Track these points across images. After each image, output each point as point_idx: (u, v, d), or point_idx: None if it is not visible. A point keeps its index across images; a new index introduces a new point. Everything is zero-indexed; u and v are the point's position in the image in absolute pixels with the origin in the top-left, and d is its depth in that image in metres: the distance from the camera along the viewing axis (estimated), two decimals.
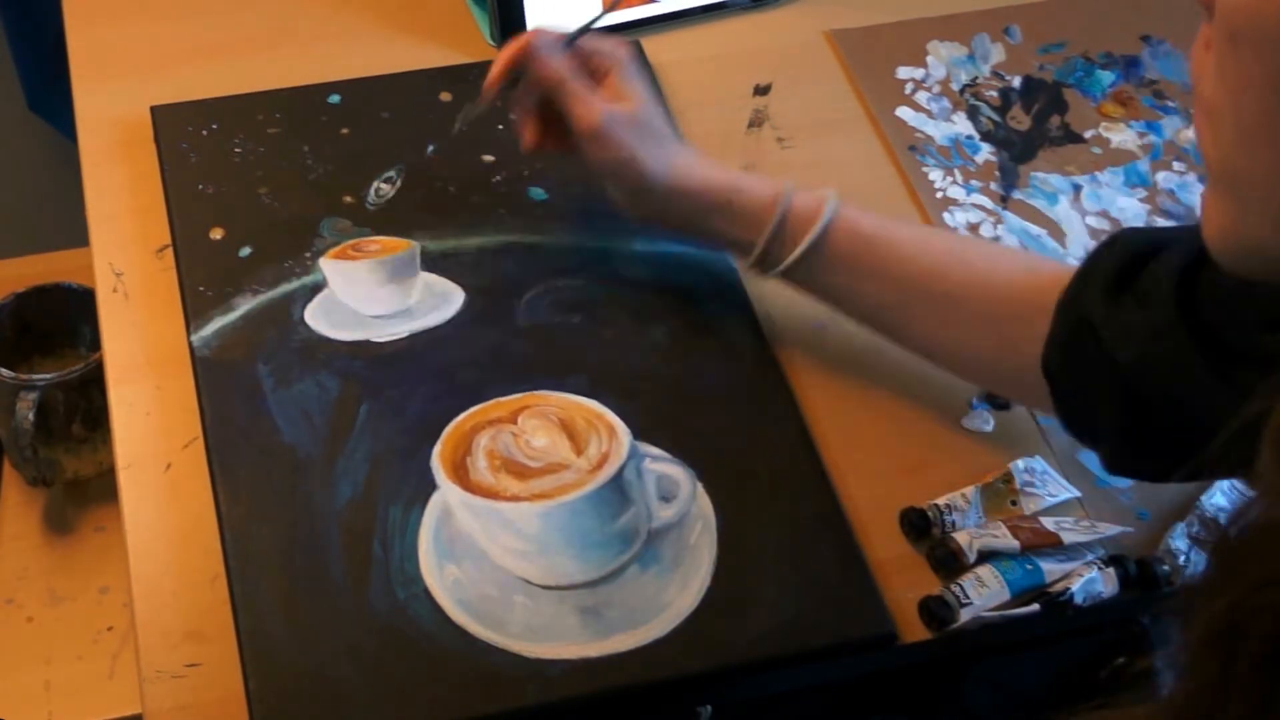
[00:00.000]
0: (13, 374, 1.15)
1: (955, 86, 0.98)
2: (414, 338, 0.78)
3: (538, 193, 0.86)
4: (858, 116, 0.95)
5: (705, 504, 0.73)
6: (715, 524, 0.72)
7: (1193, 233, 0.63)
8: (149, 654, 0.66)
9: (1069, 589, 0.70)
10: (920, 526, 0.73)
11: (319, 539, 0.69)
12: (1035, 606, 0.70)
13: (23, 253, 1.36)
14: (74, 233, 0.90)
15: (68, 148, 1.02)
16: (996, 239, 0.88)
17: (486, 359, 0.77)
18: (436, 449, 0.73)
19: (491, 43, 0.95)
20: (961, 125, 0.95)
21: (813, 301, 0.78)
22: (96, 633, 1.15)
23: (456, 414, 0.74)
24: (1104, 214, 0.91)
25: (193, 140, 0.86)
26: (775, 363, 0.79)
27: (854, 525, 0.73)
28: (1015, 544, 0.71)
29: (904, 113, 0.96)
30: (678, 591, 0.69)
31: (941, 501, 0.74)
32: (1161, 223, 0.91)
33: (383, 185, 0.85)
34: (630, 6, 0.97)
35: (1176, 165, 0.95)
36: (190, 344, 0.76)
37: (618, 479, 0.72)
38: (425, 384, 0.76)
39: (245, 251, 0.81)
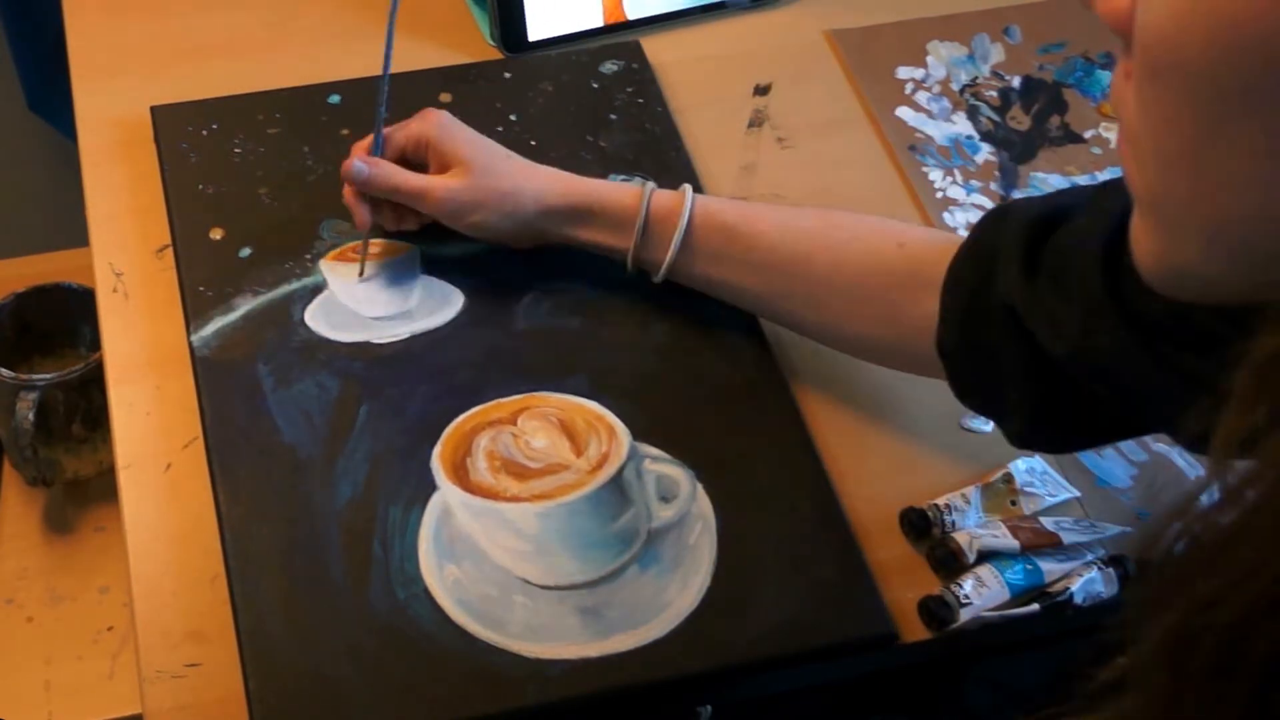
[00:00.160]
0: (13, 374, 1.15)
1: (955, 86, 0.98)
2: (414, 339, 0.78)
3: None
4: (858, 116, 0.95)
5: (705, 504, 0.73)
6: (715, 524, 0.72)
7: (1084, 196, 0.62)
8: (149, 654, 0.66)
9: (1069, 589, 0.70)
10: (920, 526, 0.73)
11: (319, 539, 0.69)
12: (1035, 606, 0.70)
13: (23, 253, 1.36)
14: (74, 233, 0.90)
15: (68, 148, 1.02)
16: None
17: (486, 360, 0.77)
18: (436, 450, 0.73)
19: (491, 43, 0.95)
20: (961, 125, 0.95)
21: None
22: (96, 633, 1.15)
23: (456, 415, 0.74)
24: None
25: (193, 140, 0.86)
26: (775, 363, 0.79)
27: (854, 525, 0.73)
28: (1015, 544, 0.71)
29: (904, 113, 0.96)
30: (678, 591, 0.69)
31: (941, 501, 0.74)
32: None
33: None
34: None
35: None
36: (190, 344, 0.76)
37: (617, 479, 0.72)
38: (425, 384, 0.76)
39: (245, 252, 0.81)
